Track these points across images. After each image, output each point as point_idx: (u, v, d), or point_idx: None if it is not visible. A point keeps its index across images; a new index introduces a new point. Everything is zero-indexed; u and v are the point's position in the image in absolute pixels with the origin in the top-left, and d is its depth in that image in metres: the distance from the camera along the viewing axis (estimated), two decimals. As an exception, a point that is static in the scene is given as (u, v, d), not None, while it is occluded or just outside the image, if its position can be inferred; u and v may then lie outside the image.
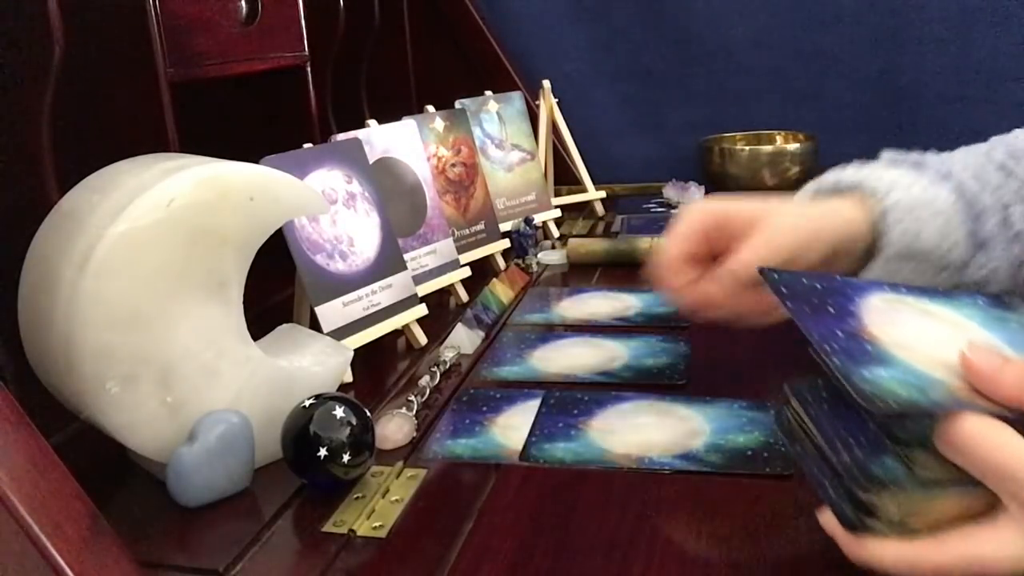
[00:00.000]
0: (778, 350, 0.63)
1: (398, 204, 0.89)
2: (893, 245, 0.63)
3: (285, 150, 0.75)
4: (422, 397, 0.70)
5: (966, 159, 0.68)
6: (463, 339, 0.80)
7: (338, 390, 0.65)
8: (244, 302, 0.61)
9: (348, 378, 0.73)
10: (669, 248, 0.66)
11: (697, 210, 0.66)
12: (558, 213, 1.19)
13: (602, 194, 1.30)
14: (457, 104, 1.09)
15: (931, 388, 0.43)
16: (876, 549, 0.42)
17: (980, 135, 0.71)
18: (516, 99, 1.18)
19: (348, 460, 0.56)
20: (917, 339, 0.46)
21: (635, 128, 1.46)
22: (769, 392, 0.67)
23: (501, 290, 0.93)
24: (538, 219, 1.12)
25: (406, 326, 0.82)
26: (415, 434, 0.65)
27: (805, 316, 0.46)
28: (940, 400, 0.42)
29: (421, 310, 0.83)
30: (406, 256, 0.85)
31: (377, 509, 0.55)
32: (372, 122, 0.91)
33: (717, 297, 0.63)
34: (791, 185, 1.32)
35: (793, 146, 1.35)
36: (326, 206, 0.68)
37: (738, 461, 0.58)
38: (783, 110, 1.39)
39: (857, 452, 0.43)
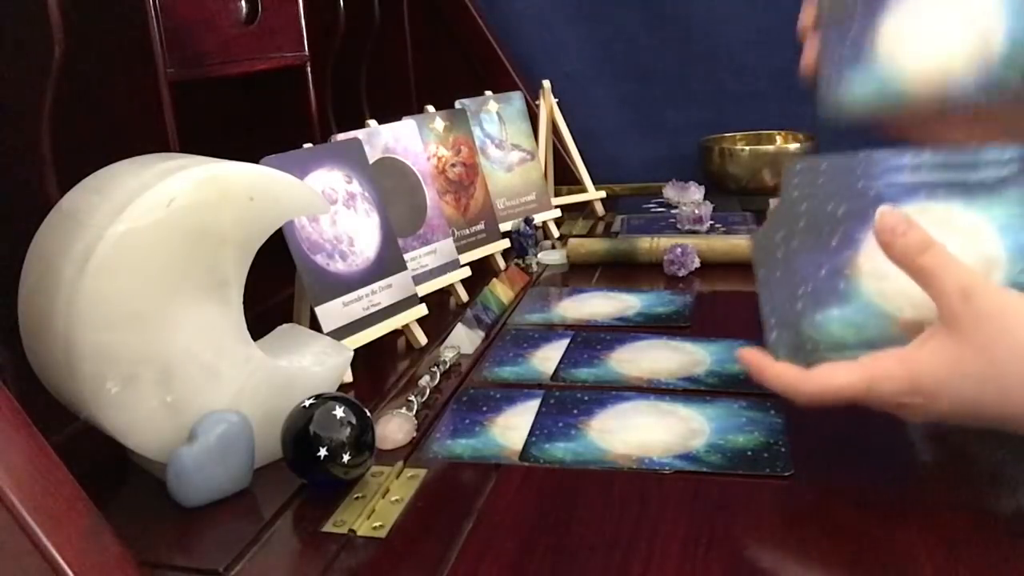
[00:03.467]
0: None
1: (398, 204, 0.89)
2: None
3: (285, 150, 0.75)
4: (422, 397, 0.70)
5: None
6: (463, 339, 0.80)
7: (338, 390, 0.65)
8: (244, 302, 0.61)
9: (348, 378, 0.73)
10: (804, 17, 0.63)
11: None
12: (558, 213, 1.19)
13: (602, 194, 1.30)
14: (457, 104, 1.09)
15: (872, 326, 0.50)
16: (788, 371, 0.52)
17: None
18: (516, 99, 1.18)
19: (348, 460, 0.56)
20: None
21: (635, 128, 1.46)
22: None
23: (501, 290, 0.93)
24: (538, 219, 1.12)
25: (406, 326, 0.82)
26: (415, 434, 0.65)
27: (800, 255, 0.52)
28: (872, 338, 0.50)
29: (421, 310, 0.83)
30: (406, 256, 0.85)
31: (377, 509, 0.55)
32: (372, 122, 0.91)
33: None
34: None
35: (793, 146, 1.35)
36: (326, 206, 0.68)
37: (738, 461, 0.58)
38: (783, 110, 1.39)
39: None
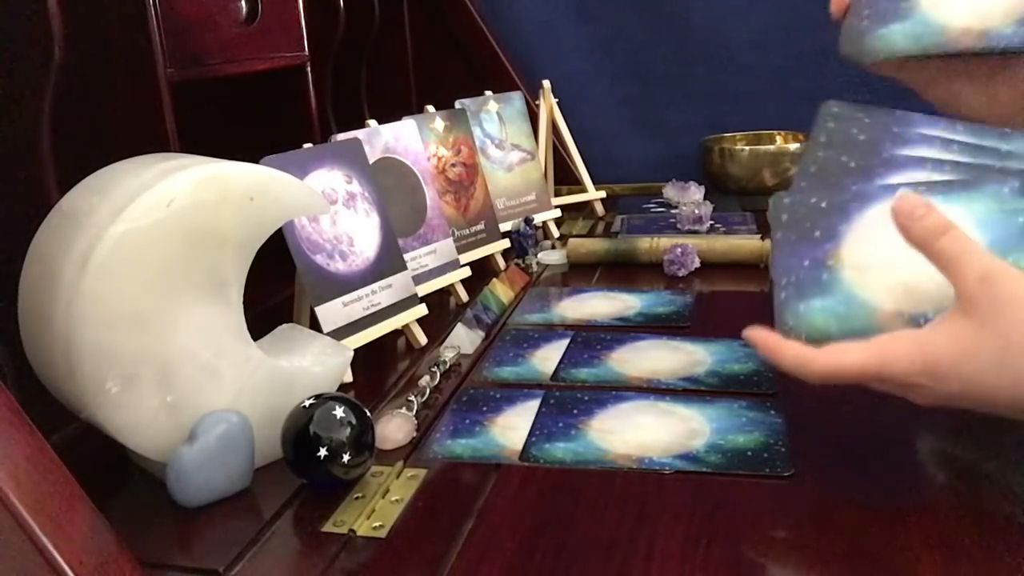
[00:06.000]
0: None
1: (398, 204, 0.89)
2: None
3: (285, 150, 0.75)
4: (422, 397, 0.70)
5: None
6: (463, 339, 0.80)
7: (338, 390, 0.65)
8: (244, 302, 0.61)
9: (348, 378, 0.73)
10: None
11: None
12: (558, 213, 1.19)
13: (602, 194, 1.30)
14: (457, 104, 1.09)
15: (855, 317, 0.51)
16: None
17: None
18: (516, 99, 1.18)
19: (348, 460, 0.56)
20: (889, 257, 0.51)
21: (635, 128, 1.46)
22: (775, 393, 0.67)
23: (501, 290, 0.93)
24: (538, 219, 1.12)
25: (406, 326, 0.82)
26: (415, 434, 0.65)
27: (785, 246, 0.53)
28: (855, 329, 0.50)
29: (421, 310, 0.83)
30: (406, 256, 0.85)
31: (377, 509, 0.55)
32: (372, 122, 0.91)
33: None
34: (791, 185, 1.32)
35: (793, 146, 1.35)
36: (326, 206, 0.68)
37: (738, 461, 0.58)
38: (783, 110, 1.39)
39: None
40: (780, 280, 0.54)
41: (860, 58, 0.57)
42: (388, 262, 0.81)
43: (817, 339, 0.51)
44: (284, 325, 0.71)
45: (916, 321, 0.50)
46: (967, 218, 0.51)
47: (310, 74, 0.97)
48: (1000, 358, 0.46)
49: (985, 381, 0.47)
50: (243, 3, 0.87)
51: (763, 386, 0.69)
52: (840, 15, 0.62)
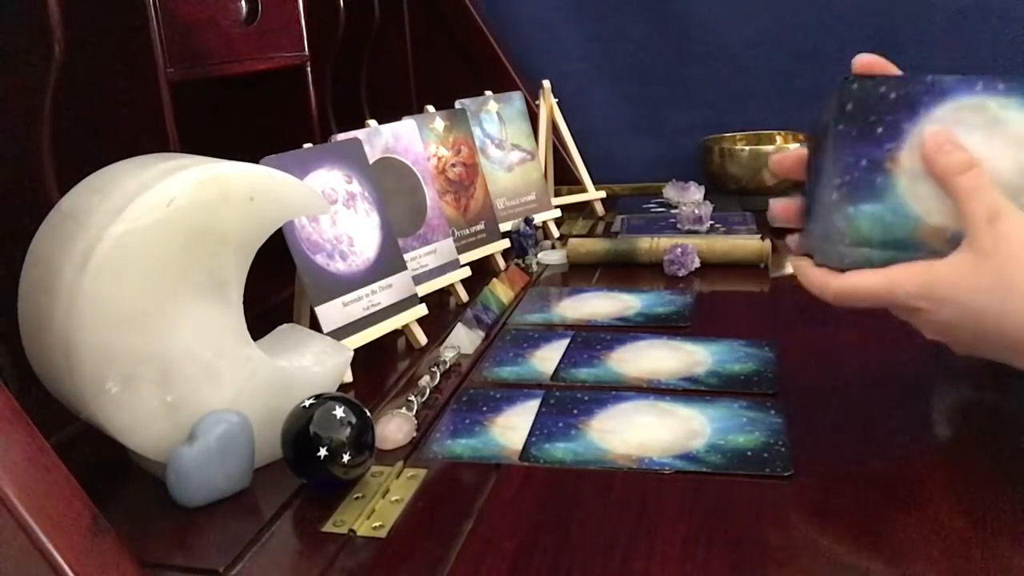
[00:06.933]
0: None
1: (398, 204, 0.89)
2: None
3: (285, 150, 0.75)
4: (422, 397, 0.70)
5: None
6: (463, 339, 0.80)
7: (338, 390, 0.65)
8: (244, 302, 0.61)
9: (348, 378, 0.73)
10: None
11: None
12: (558, 213, 1.19)
13: (602, 194, 1.30)
14: (457, 104, 1.09)
15: (900, 226, 0.53)
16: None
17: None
18: (516, 99, 1.18)
19: (348, 460, 0.56)
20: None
21: (635, 128, 1.46)
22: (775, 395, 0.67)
23: (501, 290, 0.93)
24: (538, 219, 1.12)
25: (406, 326, 0.82)
26: (415, 434, 0.65)
27: (845, 142, 0.53)
28: (896, 239, 0.53)
29: (421, 310, 0.83)
30: (406, 256, 0.85)
31: (377, 509, 0.55)
32: (372, 122, 0.91)
33: None
34: (791, 185, 1.32)
35: (793, 146, 1.35)
36: (326, 206, 0.68)
37: (738, 461, 0.58)
38: (783, 110, 1.39)
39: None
40: (833, 180, 0.54)
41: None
42: (388, 262, 0.81)
43: (857, 244, 0.54)
44: (284, 325, 0.71)
45: (956, 240, 0.52)
46: None
47: (310, 74, 0.97)
48: (992, 288, 0.50)
49: (978, 309, 0.51)
50: (243, 3, 0.87)
51: (763, 386, 0.69)
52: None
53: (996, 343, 0.52)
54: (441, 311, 0.91)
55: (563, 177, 1.31)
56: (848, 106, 0.53)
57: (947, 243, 0.53)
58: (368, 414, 0.58)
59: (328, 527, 0.54)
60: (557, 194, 1.27)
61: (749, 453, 0.59)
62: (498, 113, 1.14)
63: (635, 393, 0.69)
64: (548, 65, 1.37)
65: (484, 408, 0.68)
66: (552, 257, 1.09)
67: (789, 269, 0.62)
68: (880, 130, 0.53)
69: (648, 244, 1.04)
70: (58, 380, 0.56)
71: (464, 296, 0.95)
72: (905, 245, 0.54)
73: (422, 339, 0.83)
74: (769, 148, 1.35)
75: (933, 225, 0.54)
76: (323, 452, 0.55)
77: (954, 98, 0.53)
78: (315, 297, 0.74)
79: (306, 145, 0.81)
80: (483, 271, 1.00)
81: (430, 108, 1.02)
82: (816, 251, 0.57)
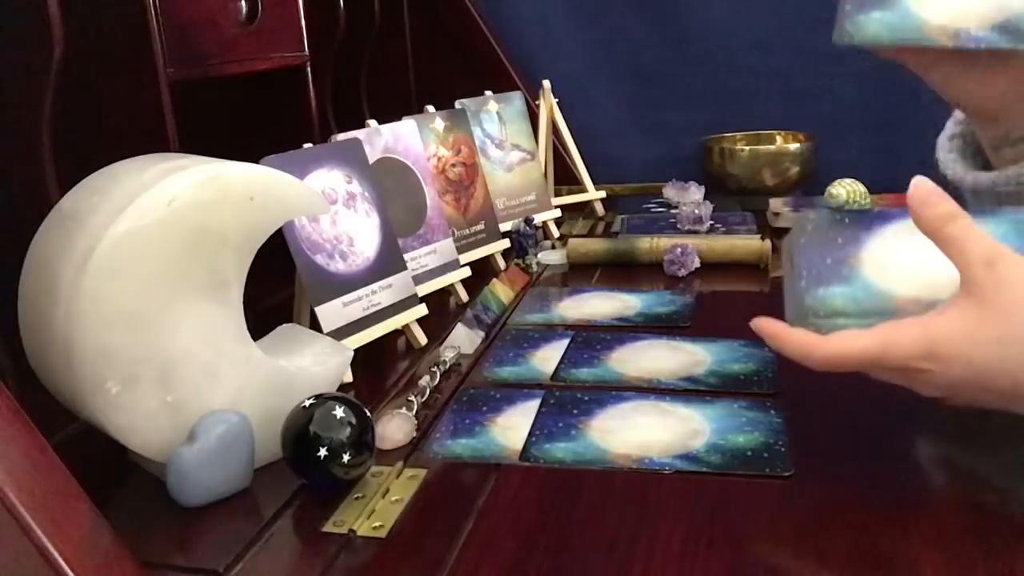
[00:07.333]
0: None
1: (398, 204, 0.89)
2: None
3: (285, 150, 0.75)
4: (422, 397, 0.70)
5: None
6: (463, 339, 0.80)
7: (338, 390, 0.65)
8: (244, 302, 0.61)
9: (348, 378, 0.73)
10: None
11: None
12: (558, 213, 1.19)
13: (602, 194, 1.30)
14: (457, 104, 1.09)
15: (871, 300, 0.53)
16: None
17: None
18: (516, 99, 1.18)
19: (348, 460, 0.56)
20: (905, 261, 0.53)
21: (635, 128, 1.45)
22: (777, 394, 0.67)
23: (501, 290, 0.93)
24: (538, 219, 1.12)
25: (406, 326, 0.82)
26: (415, 434, 0.65)
27: (808, 248, 0.55)
28: (870, 309, 0.52)
29: (421, 310, 0.83)
30: (406, 256, 0.85)
31: (377, 509, 0.55)
32: (372, 122, 0.91)
33: None
34: (791, 185, 1.32)
35: (793, 146, 1.35)
36: (326, 206, 0.68)
37: (738, 461, 0.58)
38: (783, 110, 1.39)
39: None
40: (801, 272, 0.55)
41: (838, 39, 0.58)
42: (388, 262, 0.81)
43: (832, 316, 0.53)
44: (284, 325, 0.71)
45: (932, 307, 0.51)
46: (993, 231, 0.52)
47: (310, 74, 0.97)
48: (1002, 336, 0.47)
49: (987, 363, 0.47)
50: (243, 3, 0.87)
51: (763, 386, 0.69)
52: None
53: (1007, 394, 0.49)
54: (441, 311, 0.91)
55: (563, 177, 1.31)
56: (809, 227, 0.56)
57: (923, 310, 0.51)
58: (368, 414, 0.58)
59: (328, 527, 0.54)
60: (557, 194, 1.27)
61: (749, 453, 0.59)
62: (498, 113, 1.14)
63: (635, 393, 0.69)
64: (548, 65, 1.37)
65: (484, 408, 0.68)
66: (552, 257, 1.09)
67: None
68: (840, 240, 0.55)
69: (648, 244, 1.04)
70: (58, 380, 0.56)
71: (464, 296, 0.95)
72: (882, 313, 0.52)
73: (422, 339, 0.83)
74: (769, 148, 1.35)
75: (906, 297, 0.52)
76: (323, 452, 0.55)
77: (901, 220, 0.54)
78: (315, 297, 0.74)
79: (306, 145, 0.81)
80: (483, 271, 1.00)
81: (430, 108, 1.02)
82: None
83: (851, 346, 0.49)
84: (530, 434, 0.64)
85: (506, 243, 1.05)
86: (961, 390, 0.50)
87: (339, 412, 0.56)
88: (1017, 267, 0.48)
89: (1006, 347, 0.47)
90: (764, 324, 0.53)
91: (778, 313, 0.60)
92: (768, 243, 1.02)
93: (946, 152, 0.68)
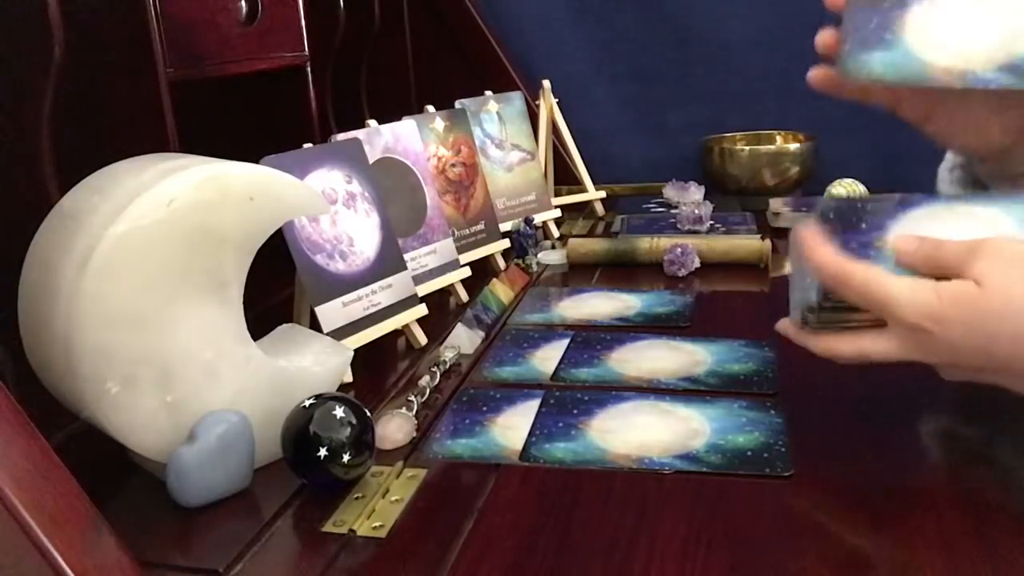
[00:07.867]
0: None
1: (398, 204, 0.89)
2: None
3: (285, 150, 0.75)
4: (422, 397, 0.70)
5: None
6: (463, 339, 0.80)
7: (338, 390, 0.65)
8: (244, 302, 0.61)
9: (348, 378, 0.73)
10: None
11: None
12: (558, 213, 1.19)
13: (602, 194, 1.30)
14: (457, 104, 1.09)
15: (911, 67, 0.55)
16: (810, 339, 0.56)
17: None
18: (516, 99, 1.18)
19: (348, 460, 0.56)
20: (949, 28, 0.55)
21: (635, 128, 1.45)
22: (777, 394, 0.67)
23: (501, 290, 0.93)
24: (538, 219, 1.12)
25: (406, 326, 0.82)
26: (415, 434, 0.65)
27: (854, 4, 0.57)
28: (909, 76, 0.55)
29: (421, 310, 0.83)
30: (406, 256, 0.85)
31: (377, 509, 0.55)
32: (372, 122, 0.91)
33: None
34: (791, 185, 1.32)
35: (793, 146, 1.35)
36: (326, 206, 0.68)
37: (738, 461, 0.58)
38: (783, 110, 1.39)
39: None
40: (846, 35, 0.57)
41: (841, 75, 0.59)
42: (388, 262, 0.81)
43: (874, 81, 0.56)
44: (284, 325, 0.71)
45: (964, 77, 0.53)
46: (1006, 215, 0.53)
47: (310, 74, 0.97)
48: (1003, 308, 0.49)
49: (987, 328, 0.49)
50: (243, 3, 0.87)
51: (763, 386, 0.69)
52: (829, 49, 0.63)
53: (1004, 369, 0.50)
54: (441, 311, 0.91)
55: (563, 177, 1.31)
56: (830, 215, 0.55)
57: (957, 79, 0.54)
58: (368, 414, 0.58)
59: (328, 527, 0.54)
60: (557, 194, 1.27)
61: (749, 453, 0.59)
62: (498, 113, 1.14)
63: (635, 393, 0.69)
64: (548, 65, 1.37)
65: (484, 408, 0.68)
66: (552, 257, 1.09)
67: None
68: (864, 226, 0.55)
69: (648, 244, 1.04)
70: (58, 380, 0.56)
71: (464, 296, 0.95)
72: (919, 81, 0.55)
73: (422, 339, 0.83)
74: (769, 148, 1.35)
75: (943, 65, 0.54)
76: (323, 452, 0.55)
77: (925, 205, 0.55)
78: (315, 297, 0.74)
79: (306, 145, 0.81)
80: (483, 271, 1.00)
81: (430, 108, 1.02)
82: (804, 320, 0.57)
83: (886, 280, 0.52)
84: (530, 434, 0.64)
85: (506, 243, 1.05)
86: (961, 358, 0.51)
87: (339, 412, 0.56)
88: (1004, 243, 0.50)
89: (1007, 319, 0.49)
90: (786, 327, 0.59)
91: (778, 313, 0.60)
92: (768, 243, 1.02)
93: (947, 184, 0.69)
